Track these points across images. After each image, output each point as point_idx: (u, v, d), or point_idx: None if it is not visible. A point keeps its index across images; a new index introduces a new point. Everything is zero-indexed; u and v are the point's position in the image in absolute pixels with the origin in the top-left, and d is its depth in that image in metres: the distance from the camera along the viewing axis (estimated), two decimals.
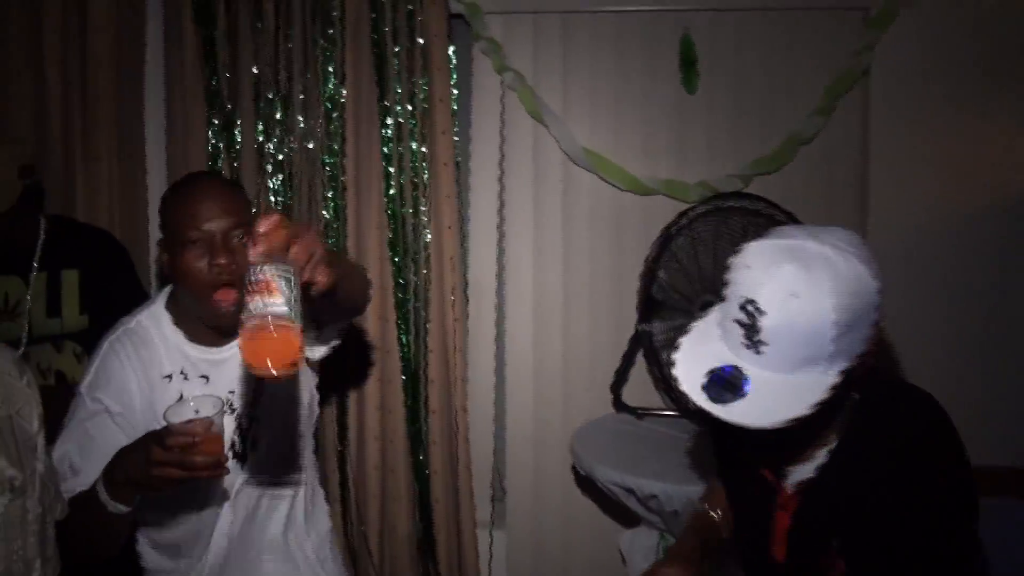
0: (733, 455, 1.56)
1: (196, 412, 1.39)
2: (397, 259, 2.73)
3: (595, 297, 2.84)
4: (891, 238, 2.74)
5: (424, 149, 2.70)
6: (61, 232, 2.33)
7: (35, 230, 2.30)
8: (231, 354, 1.67)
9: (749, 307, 1.17)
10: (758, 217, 2.51)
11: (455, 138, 2.72)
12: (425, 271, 2.74)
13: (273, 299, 1.08)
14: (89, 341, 2.22)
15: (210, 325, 1.65)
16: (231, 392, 1.69)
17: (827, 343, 1.16)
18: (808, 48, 2.72)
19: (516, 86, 2.72)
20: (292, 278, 1.12)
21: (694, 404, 1.22)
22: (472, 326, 2.85)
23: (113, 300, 2.07)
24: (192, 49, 2.73)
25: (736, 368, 1.20)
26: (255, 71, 2.71)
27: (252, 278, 1.10)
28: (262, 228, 1.13)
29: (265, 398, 1.73)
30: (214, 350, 1.68)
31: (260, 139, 2.74)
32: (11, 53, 2.72)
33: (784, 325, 1.15)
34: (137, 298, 2.44)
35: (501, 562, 2.92)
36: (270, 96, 2.71)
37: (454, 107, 2.71)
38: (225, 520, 1.74)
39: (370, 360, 2.78)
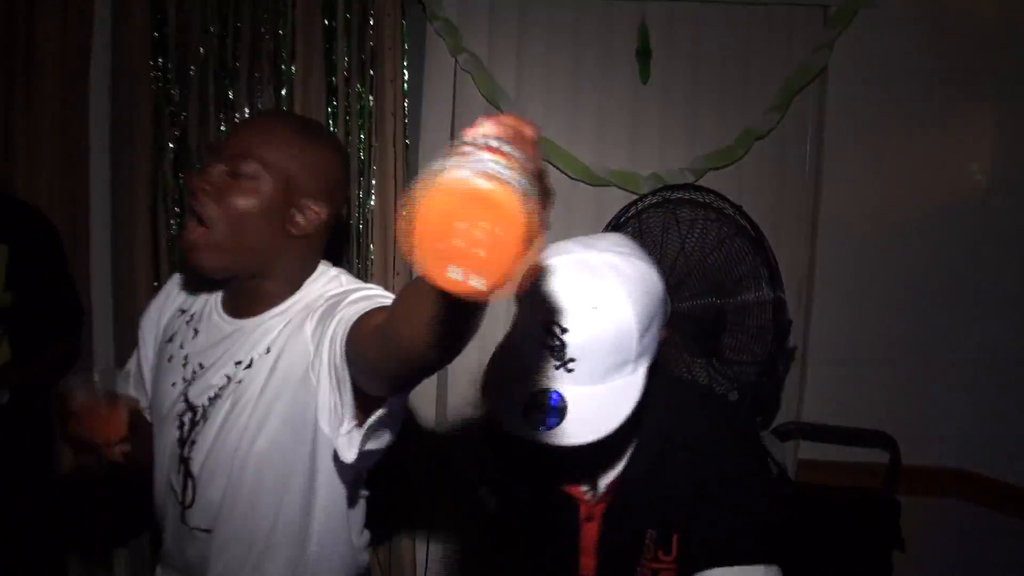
0: (523, 486, 1.46)
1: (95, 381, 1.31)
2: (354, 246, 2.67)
3: None
4: (841, 235, 2.72)
5: (372, 130, 2.64)
6: None
7: None
8: (232, 330, 1.40)
9: (553, 328, 1.14)
10: (707, 209, 2.46)
11: (405, 120, 2.66)
12: (370, 255, 2.68)
13: (502, 161, 0.63)
14: (12, 320, 2.15)
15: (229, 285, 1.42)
16: (198, 367, 1.42)
17: (632, 345, 1.17)
18: (766, 43, 2.69)
19: (472, 69, 2.67)
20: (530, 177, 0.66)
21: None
22: None
23: (41, 280, 1.98)
24: (140, 28, 2.64)
25: (553, 391, 1.17)
26: (202, 50, 2.64)
27: (479, 141, 0.65)
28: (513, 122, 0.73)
29: (209, 425, 1.37)
30: (227, 317, 1.42)
31: (208, 119, 2.66)
32: None
33: (590, 338, 1.15)
34: (63, 282, 2.38)
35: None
36: (218, 75, 2.64)
37: (405, 88, 2.66)
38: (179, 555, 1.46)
39: None
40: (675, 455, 1.32)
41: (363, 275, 2.67)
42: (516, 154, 0.63)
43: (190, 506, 1.39)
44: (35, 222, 2.31)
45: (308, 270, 1.41)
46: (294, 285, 1.39)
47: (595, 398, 1.17)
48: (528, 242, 0.60)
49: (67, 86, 2.67)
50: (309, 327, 1.32)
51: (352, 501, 1.45)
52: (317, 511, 1.39)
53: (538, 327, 1.17)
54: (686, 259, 2.43)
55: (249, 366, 1.34)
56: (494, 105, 2.69)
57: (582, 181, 2.72)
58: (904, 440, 2.60)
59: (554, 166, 2.71)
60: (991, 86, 2.68)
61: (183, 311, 1.50)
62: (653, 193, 2.56)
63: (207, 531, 1.39)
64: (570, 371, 1.16)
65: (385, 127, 2.63)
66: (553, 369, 1.16)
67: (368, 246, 2.67)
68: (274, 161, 1.31)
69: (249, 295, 1.38)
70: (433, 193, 0.57)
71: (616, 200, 2.67)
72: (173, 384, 1.43)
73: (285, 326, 1.35)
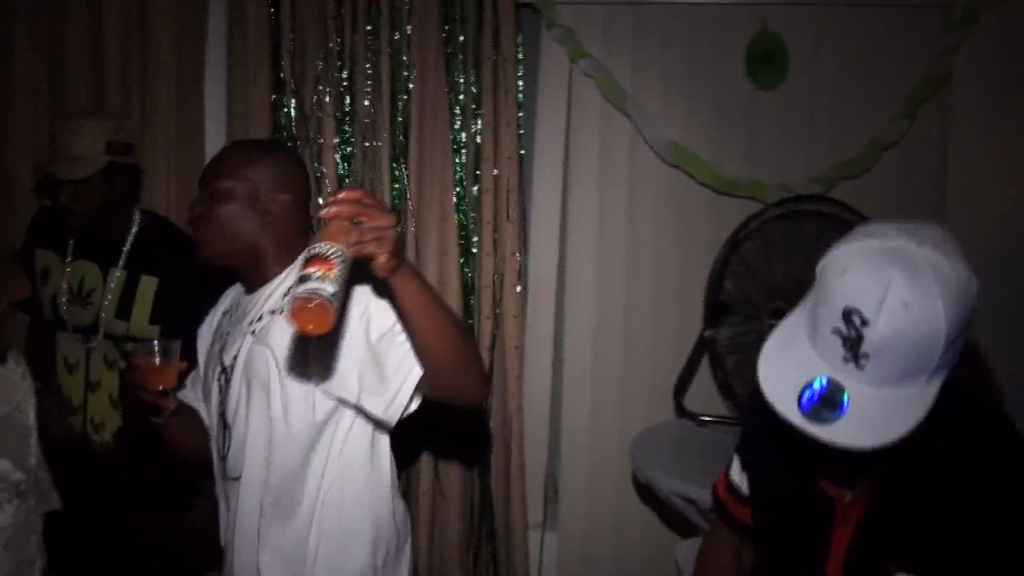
0: (780, 468, 1.39)
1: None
2: (461, 251, 2.68)
3: (659, 298, 2.77)
4: (968, 247, 2.64)
5: (488, 140, 2.63)
6: (152, 234, 2.29)
7: (127, 223, 2.27)
8: (248, 301, 1.74)
9: (853, 318, 1.06)
10: (835, 222, 2.42)
11: (520, 131, 2.65)
12: (485, 265, 2.68)
13: (327, 276, 1.17)
14: None
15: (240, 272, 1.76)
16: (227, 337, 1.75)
17: (936, 355, 1.06)
18: (888, 47, 2.64)
19: (594, 72, 2.65)
20: (346, 258, 1.20)
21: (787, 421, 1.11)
22: (530, 323, 2.78)
23: (184, 316, 2.01)
24: (257, 34, 2.65)
25: (834, 382, 1.08)
26: (320, 63, 2.66)
27: (316, 251, 1.19)
28: (340, 195, 1.22)
29: (243, 376, 1.66)
30: (248, 297, 1.75)
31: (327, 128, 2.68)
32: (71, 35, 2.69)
33: (893, 338, 1.05)
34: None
35: (552, 565, 2.86)
36: (339, 82, 2.65)
37: (520, 98, 2.65)
38: (226, 514, 1.74)
39: None
40: (944, 475, 1.21)
41: (476, 285, 2.69)
42: (334, 254, 1.18)
43: (225, 457, 1.69)
44: (189, 256, 2.33)
45: (295, 244, 1.68)
46: (287, 256, 1.69)
47: (881, 402, 1.08)
48: (332, 312, 1.16)
49: (183, 91, 2.72)
50: None
51: (375, 447, 1.69)
52: (335, 455, 1.64)
53: (835, 312, 1.08)
54: (805, 269, 2.39)
55: (259, 320, 1.66)
56: (618, 108, 2.66)
57: (708, 187, 2.68)
58: None
59: (683, 172, 2.69)
60: None
61: (226, 312, 1.82)
62: (777, 204, 2.53)
63: (237, 479, 1.66)
64: (860, 367, 1.07)
65: (501, 137, 2.62)
66: (842, 361, 1.08)
67: (487, 253, 2.68)
68: (237, 174, 1.67)
69: (255, 274, 1.71)
70: (290, 305, 1.17)
71: (729, 207, 2.65)
72: (216, 360, 1.75)
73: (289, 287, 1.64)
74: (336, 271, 1.18)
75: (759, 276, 2.52)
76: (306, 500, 1.62)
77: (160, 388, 1.69)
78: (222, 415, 1.69)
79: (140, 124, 2.66)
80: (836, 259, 1.11)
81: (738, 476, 1.50)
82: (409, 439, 2.65)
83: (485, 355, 2.68)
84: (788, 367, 1.12)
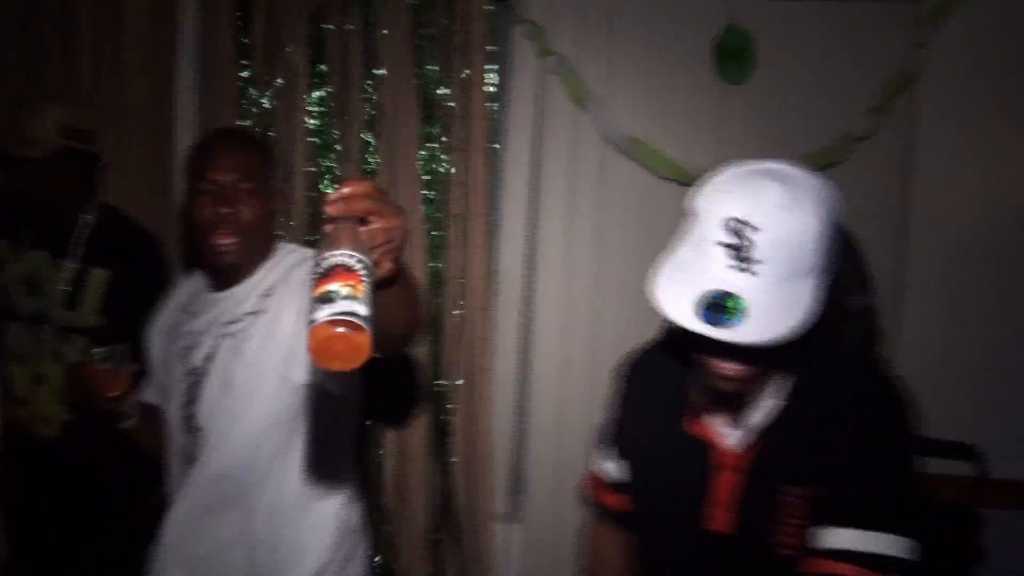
0: (657, 433, 1.48)
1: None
2: (429, 243, 2.69)
3: (627, 291, 2.77)
4: (935, 241, 2.66)
5: (458, 133, 2.65)
6: (106, 226, 2.29)
7: (82, 213, 2.26)
8: (220, 299, 1.72)
9: (740, 227, 1.17)
10: None
11: (490, 124, 2.66)
12: (453, 258, 2.70)
13: (356, 293, 0.93)
14: (102, 338, 2.21)
15: (211, 268, 1.74)
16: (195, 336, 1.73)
17: (812, 253, 1.19)
18: (859, 42, 2.63)
19: (559, 70, 2.65)
20: (370, 266, 0.98)
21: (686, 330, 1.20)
22: (499, 317, 2.79)
23: (134, 308, 2.02)
24: (226, 30, 2.67)
25: (729, 292, 1.18)
26: (290, 53, 2.67)
27: (337, 260, 0.95)
28: (347, 188, 1.02)
29: (219, 368, 1.66)
30: (217, 295, 1.73)
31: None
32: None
33: (777, 240, 1.17)
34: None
35: (518, 558, 2.87)
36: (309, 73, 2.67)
37: (491, 91, 2.66)
38: (179, 507, 1.73)
39: None
40: (834, 407, 1.35)
41: (444, 278, 2.70)
42: (360, 265, 0.95)
43: (193, 458, 1.68)
44: (143, 250, 2.33)
45: (272, 243, 1.73)
46: (263, 257, 1.70)
47: (773, 302, 1.17)
48: (368, 345, 0.92)
49: (154, 93, 2.73)
50: (295, 285, 1.63)
51: (341, 440, 1.73)
52: (305, 448, 1.66)
53: (720, 226, 1.19)
54: None
55: (238, 322, 1.64)
56: (581, 106, 2.67)
57: (672, 180, 2.69)
58: (999, 451, 2.56)
59: (645, 168, 2.70)
60: None
61: (184, 308, 1.80)
62: None
63: (208, 478, 1.67)
64: (753, 273, 1.18)
65: (472, 130, 2.63)
66: (732, 270, 1.18)
67: (456, 246, 2.69)
68: (260, 172, 1.69)
69: (236, 273, 1.68)
70: (312, 334, 0.92)
71: None
72: (179, 360, 1.72)
73: (268, 287, 1.68)
74: (365, 287, 0.94)
75: None
76: (274, 493, 1.65)
77: (114, 395, 1.69)
78: (190, 417, 1.68)
79: (111, 115, 2.68)
80: (715, 182, 1.25)
81: (611, 468, 1.57)
82: (374, 432, 2.72)
83: (453, 348, 2.71)
84: (684, 287, 1.20)
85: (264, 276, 1.68)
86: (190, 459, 1.69)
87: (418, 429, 2.74)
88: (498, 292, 2.78)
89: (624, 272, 2.77)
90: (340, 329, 0.90)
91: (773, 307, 1.17)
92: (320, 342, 0.90)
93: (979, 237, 2.67)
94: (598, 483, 1.61)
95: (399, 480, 2.77)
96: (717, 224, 1.19)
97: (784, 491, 1.35)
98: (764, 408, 1.37)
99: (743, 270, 1.17)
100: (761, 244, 1.17)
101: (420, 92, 2.64)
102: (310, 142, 2.70)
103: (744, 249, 1.17)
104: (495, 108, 2.68)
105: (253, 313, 1.63)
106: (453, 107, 2.65)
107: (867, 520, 1.30)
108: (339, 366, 0.92)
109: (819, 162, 2.61)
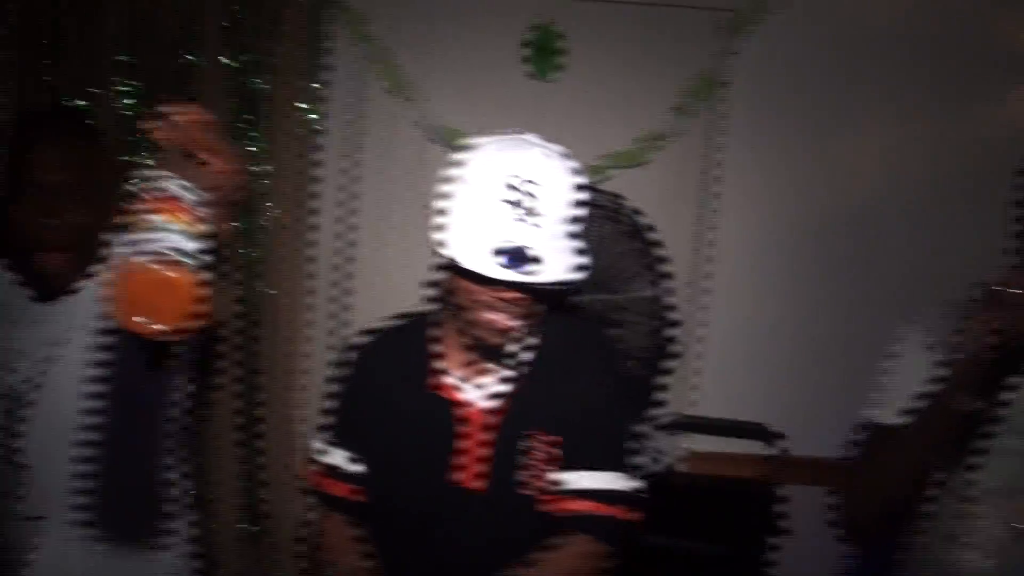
0: (398, 388, 1.53)
1: None
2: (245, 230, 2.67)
3: None
4: (740, 240, 2.80)
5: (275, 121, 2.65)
6: None
7: None
8: (45, 313, 1.49)
9: (523, 184, 1.32)
10: (599, 208, 2.52)
11: (310, 111, 2.67)
12: (271, 246, 2.69)
13: (190, 230, 0.73)
14: None
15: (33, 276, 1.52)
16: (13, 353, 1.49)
17: (575, 208, 1.38)
18: (667, 46, 2.73)
19: (378, 59, 2.68)
20: (204, 203, 0.79)
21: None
22: (315, 303, 2.79)
23: None
24: None
25: (520, 243, 1.30)
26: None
27: (152, 189, 0.75)
28: (179, 114, 0.87)
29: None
30: (41, 307, 1.51)
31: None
32: None
33: (553, 195, 1.33)
34: None
35: None
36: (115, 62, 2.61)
37: (310, 79, 2.66)
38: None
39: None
40: (573, 361, 1.52)
41: (260, 266, 2.69)
42: (193, 199, 0.77)
43: (21, 494, 1.48)
44: None
45: (96, 254, 1.51)
46: (89, 268, 1.50)
47: (554, 249, 1.33)
48: (201, 295, 0.72)
49: None
50: None
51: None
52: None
53: (502, 184, 1.32)
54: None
55: (65, 345, 1.46)
56: (398, 96, 2.70)
57: None
58: (796, 431, 2.71)
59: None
60: (888, 92, 2.76)
61: None
62: None
63: (39, 519, 1.49)
64: (536, 224, 1.33)
65: (289, 117, 2.64)
66: (520, 222, 1.32)
67: (274, 234, 2.69)
68: (90, 168, 1.48)
69: (59, 280, 1.48)
70: (124, 274, 0.67)
71: None
72: None
73: (92, 304, 1.47)
74: (200, 226, 0.76)
75: None
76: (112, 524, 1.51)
77: None
78: (9, 449, 1.48)
79: None
80: (484, 152, 1.36)
81: (339, 458, 1.59)
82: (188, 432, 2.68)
83: (267, 335, 2.71)
84: (478, 241, 1.31)
85: (91, 289, 1.48)
86: (7, 495, 1.49)
87: (228, 418, 2.72)
88: (313, 279, 2.78)
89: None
90: (168, 272, 0.66)
91: (555, 254, 1.32)
92: (137, 286, 0.65)
93: (778, 234, 2.83)
94: (326, 474, 1.60)
95: (210, 470, 2.74)
96: (502, 183, 1.32)
97: (529, 442, 1.48)
98: (510, 363, 1.49)
99: (528, 222, 1.32)
100: (541, 199, 1.32)
101: (234, 79, 2.62)
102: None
103: (527, 204, 1.32)
104: (312, 95, 2.68)
105: (83, 328, 1.45)
106: (269, 93, 2.64)
107: (601, 463, 1.49)
108: (158, 323, 0.68)
109: (625, 160, 2.72)
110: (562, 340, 1.53)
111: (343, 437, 1.59)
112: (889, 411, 1.44)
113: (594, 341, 1.60)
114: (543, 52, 2.71)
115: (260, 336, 2.71)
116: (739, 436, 2.79)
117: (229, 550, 2.75)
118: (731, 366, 2.81)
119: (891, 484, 1.39)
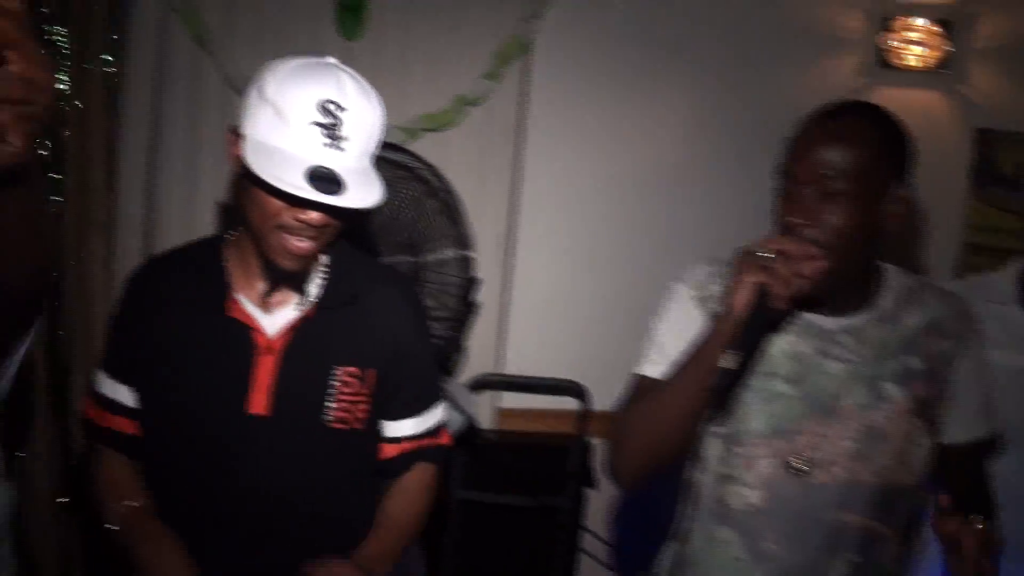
0: (191, 312, 1.50)
1: None
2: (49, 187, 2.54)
3: None
4: (547, 201, 2.88)
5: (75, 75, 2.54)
6: None
7: None
8: None
9: (330, 107, 1.30)
10: (400, 168, 2.53)
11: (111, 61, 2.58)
12: (71, 205, 2.59)
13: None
14: None
15: None
16: None
17: (378, 141, 1.39)
18: (480, 9, 2.75)
19: (180, 7, 2.60)
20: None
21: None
22: (121, 265, 2.68)
23: None
24: None
25: (330, 167, 1.30)
26: None
27: None
28: None
29: None
30: None
31: None
32: None
33: (359, 120, 1.33)
34: None
35: None
36: None
37: (110, 30, 2.57)
38: None
39: None
40: (374, 294, 1.54)
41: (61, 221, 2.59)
42: None
43: None
44: None
45: None
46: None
47: (360, 175, 1.34)
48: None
49: None
50: None
51: None
52: None
53: (309, 107, 1.30)
54: (380, 216, 2.49)
55: None
56: (200, 45, 2.62)
57: None
58: (601, 387, 2.81)
59: None
60: (690, 59, 2.87)
61: None
62: None
63: None
64: (342, 149, 1.31)
65: (89, 71, 2.54)
66: (326, 147, 1.30)
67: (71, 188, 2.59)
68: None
69: None
70: None
71: None
72: None
73: None
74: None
75: None
76: None
77: None
78: None
79: None
80: (288, 75, 1.32)
81: (114, 391, 1.55)
82: None
83: (71, 300, 2.63)
84: (286, 165, 1.28)
85: None
86: None
87: (37, 386, 2.62)
88: (118, 241, 2.70)
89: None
90: None
91: (360, 180, 1.32)
92: None
93: (583, 195, 2.92)
94: (99, 406, 1.57)
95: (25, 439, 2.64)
96: (312, 106, 1.30)
97: (330, 371, 1.48)
98: (305, 292, 1.49)
99: (335, 147, 1.31)
100: (347, 123, 1.31)
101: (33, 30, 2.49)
102: None
103: (336, 127, 1.30)
104: (113, 46, 2.58)
105: None
106: (67, 46, 2.52)
107: (423, 405, 1.62)
108: None
109: (434, 123, 2.73)
110: (358, 273, 1.54)
111: (119, 368, 1.54)
112: (657, 364, 1.48)
113: (394, 278, 1.65)
114: (350, 11, 2.68)
115: (64, 299, 2.62)
116: (548, 393, 2.88)
117: (43, 521, 2.67)
118: (538, 325, 2.90)
119: (653, 434, 1.42)
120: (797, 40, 2.87)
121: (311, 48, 2.64)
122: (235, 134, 1.38)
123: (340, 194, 1.28)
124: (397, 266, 2.49)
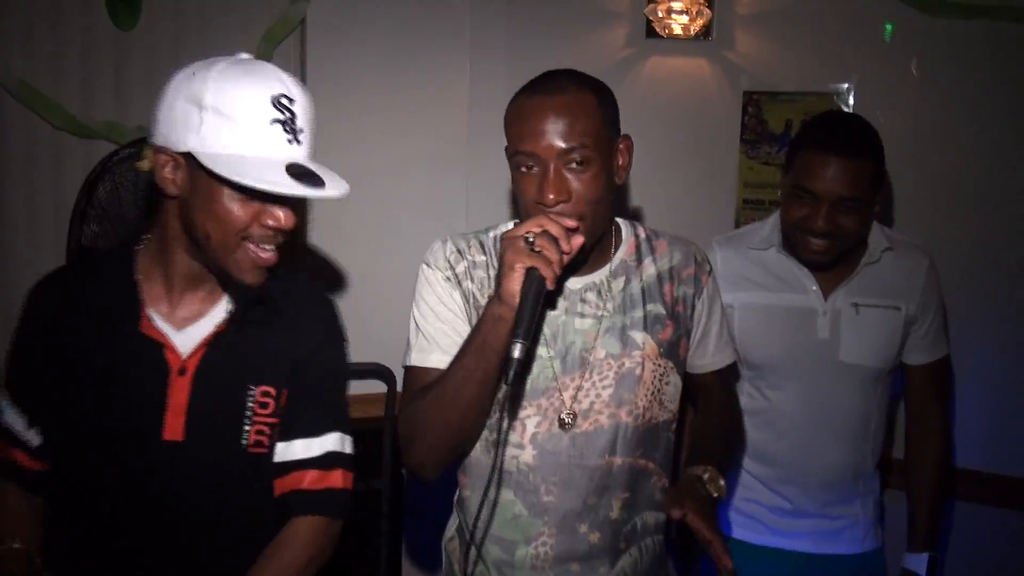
0: (100, 333, 1.42)
1: None
2: None
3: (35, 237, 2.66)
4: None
5: None
6: None
7: None
8: None
9: (283, 101, 1.27)
10: None
11: None
12: None
13: None
14: None
15: None
16: None
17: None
18: None
19: None
20: None
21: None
22: None
23: None
24: None
25: (302, 161, 1.29)
26: None
27: None
28: None
29: None
30: None
31: None
32: None
33: (306, 111, 1.31)
34: None
35: None
36: None
37: None
38: None
39: None
40: (289, 309, 1.47)
41: None
42: None
43: None
44: None
45: None
46: None
47: (319, 164, 1.32)
48: None
49: None
50: None
51: None
52: None
53: (265, 105, 1.25)
54: None
55: None
56: None
57: (67, 131, 2.61)
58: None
59: (41, 117, 2.58)
60: (467, 40, 2.91)
61: None
62: (127, 145, 2.53)
63: None
64: (300, 142, 1.29)
65: None
66: (289, 144, 1.28)
67: None
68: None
69: None
70: None
71: (106, 151, 2.60)
72: None
73: None
74: None
75: (113, 217, 2.51)
76: None
77: None
78: None
79: None
80: (225, 79, 1.26)
81: (14, 422, 1.46)
82: None
83: None
84: (263, 168, 1.24)
85: None
86: None
87: None
88: None
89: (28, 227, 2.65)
90: None
91: (323, 170, 1.30)
92: None
93: (373, 175, 2.88)
94: (12, 446, 1.47)
95: None
96: (267, 104, 1.26)
97: (246, 391, 1.42)
98: (218, 311, 1.42)
99: (295, 141, 1.29)
100: (299, 115, 1.29)
101: None
102: None
103: (293, 121, 1.28)
104: None
105: None
106: None
107: (313, 429, 1.48)
108: None
109: None
110: (274, 287, 1.43)
111: (18, 396, 1.45)
112: (429, 352, 1.51)
113: (311, 293, 1.57)
114: (123, 1, 2.59)
115: None
116: (354, 378, 2.86)
117: None
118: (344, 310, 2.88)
119: (448, 425, 1.43)
120: (567, 15, 2.96)
121: (84, 41, 2.60)
122: (171, 156, 1.29)
123: (323, 187, 1.27)
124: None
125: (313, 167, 1.29)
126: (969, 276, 2.70)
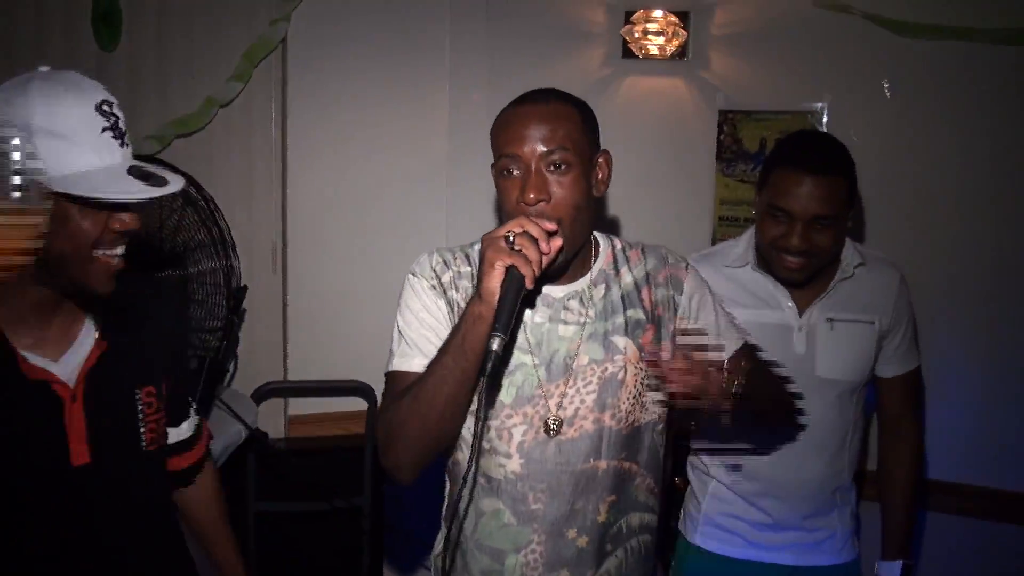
0: None
1: None
2: None
3: None
4: (311, 199, 2.90)
5: None
6: None
7: None
8: None
9: (106, 107, 1.27)
10: (156, 180, 2.47)
11: None
12: None
13: None
14: None
15: None
16: None
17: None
18: (233, 13, 2.74)
19: None
20: None
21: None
22: None
23: None
24: None
25: (137, 163, 1.29)
26: None
27: None
28: None
29: None
30: None
31: None
32: None
33: (120, 109, 1.30)
34: None
35: None
36: None
37: None
38: None
39: None
40: (149, 307, 1.51)
41: None
42: None
43: None
44: None
45: None
46: None
47: (148, 164, 1.32)
48: None
49: None
50: None
51: None
52: None
53: (91, 114, 1.25)
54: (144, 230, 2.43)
55: None
56: None
57: None
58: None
59: None
60: (447, 59, 2.94)
61: None
62: None
63: None
64: (127, 144, 1.30)
65: None
66: (120, 148, 1.27)
67: None
68: None
69: None
70: None
71: None
72: None
73: None
74: None
75: None
76: None
77: None
78: None
79: None
80: (53, 99, 1.23)
81: None
82: None
83: None
84: (109, 178, 1.24)
85: None
86: None
87: None
88: None
89: None
90: None
91: (154, 167, 1.31)
92: None
93: (353, 194, 2.96)
94: None
95: None
96: (93, 114, 1.25)
97: (134, 396, 1.45)
98: (87, 332, 1.41)
99: (125, 144, 1.29)
100: (119, 116, 1.29)
101: None
102: None
103: (118, 124, 1.28)
104: None
105: None
106: None
107: (186, 412, 1.64)
108: None
109: (185, 127, 2.69)
110: (130, 290, 1.42)
111: None
112: (411, 358, 1.51)
113: (159, 288, 1.65)
114: (105, 21, 2.61)
115: None
116: (335, 395, 2.89)
117: None
118: (319, 329, 2.89)
119: (425, 425, 1.43)
120: (545, 36, 2.99)
121: (67, 61, 2.60)
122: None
123: (167, 184, 1.28)
124: (165, 280, 2.43)
125: (147, 167, 1.31)
126: (943, 290, 2.75)
